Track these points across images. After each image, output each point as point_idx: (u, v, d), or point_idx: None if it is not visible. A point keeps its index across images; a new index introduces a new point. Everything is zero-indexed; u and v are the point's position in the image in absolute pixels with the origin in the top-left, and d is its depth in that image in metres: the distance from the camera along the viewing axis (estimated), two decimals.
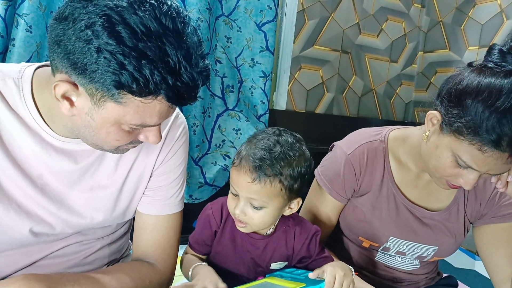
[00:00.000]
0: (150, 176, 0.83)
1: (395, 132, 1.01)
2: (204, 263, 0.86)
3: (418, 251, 1.00)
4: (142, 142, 0.71)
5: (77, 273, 0.72)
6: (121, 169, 0.80)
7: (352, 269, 0.80)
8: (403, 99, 3.10)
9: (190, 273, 0.83)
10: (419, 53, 3.09)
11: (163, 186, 0.84)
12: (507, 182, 0.83)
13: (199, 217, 0.89)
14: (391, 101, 3.07)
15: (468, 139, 0.74)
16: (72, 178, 0.76)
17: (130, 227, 0.98)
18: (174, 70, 0.56)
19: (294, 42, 2.61)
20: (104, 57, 0.54)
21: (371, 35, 2.89)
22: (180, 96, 0.59)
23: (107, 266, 0.90)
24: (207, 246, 0.90)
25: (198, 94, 0.62)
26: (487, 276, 0.98)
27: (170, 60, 0.56)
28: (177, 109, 0.87)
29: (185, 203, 2.15)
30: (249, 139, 0.82)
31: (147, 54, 0.54)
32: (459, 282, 1.21)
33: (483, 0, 2.59)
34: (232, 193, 0.82)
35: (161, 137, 0.69)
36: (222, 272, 0.84)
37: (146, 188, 0.84)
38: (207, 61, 0.61)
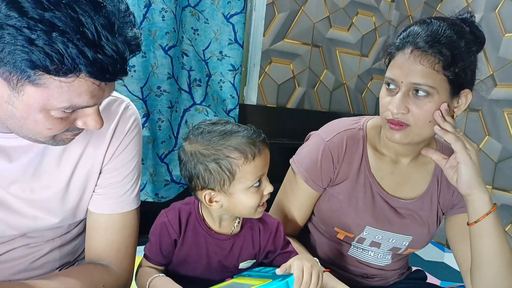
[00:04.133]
0: (100, 173, 0.79)
1: (372, 121, 1.03)
2: (161, 274, 0.82)
3: (393, 241, 1.00)
4: (83, 129, 0.66)
5: (13, 282, 0.67)
6: (65, 166, 0.75)
7: (317, 260, 0.80)
8: (374, 93, 3.14)
9: (147, 287, 0.79)
10: (386, 50, 3.13)
11: (115, 183, 0.79)
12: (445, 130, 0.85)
13: (153, 226, 0.85)
14: (363, 95, 3.11)
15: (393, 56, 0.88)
16: (8, 179, 0.70)
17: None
18: (93, 42, 0.51)
19: (264, 35, 2.59)
20: (8, 33, 0.49)
21: (342, 29, 2.91)
22: (105, 70, 0.54)
23: (59, 270, 0.85)
24: (166, 256, 0.86)
25: (127, 67, 0.57)
26: (456, 268, 0.99)
27: (87, 31, 0.51)
28: (127, 100, 0.82)
29: (150, 202, 2.08)
30: None
31: (57, 25, 0.49)
32: (428, 274, 1.23)
33: None
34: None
35: (102, 122, 0.63)
36: (189, 280, 0.81)
37: (96, 185, 0.79)
38: (135, 29, 0.56)
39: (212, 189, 0.78)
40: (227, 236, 0.85)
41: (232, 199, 0.78)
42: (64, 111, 0.58)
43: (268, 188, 0.80)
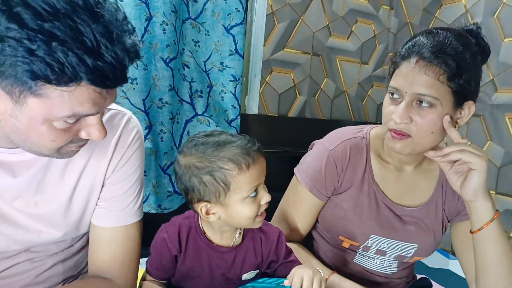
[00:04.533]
0: (102, 186, 0.79)
1: (376, 129, 1.03)
2: None
3: (398, 249, 1.00)
4: (87, 141, 0.66)
5: None
6: (68, 180, 0.75)
7: (320, 270, 0.79)
8: (375, 100, 3.14)
9: None
10: (389, 54, 3.15)
11: (118, 195, 0.80)
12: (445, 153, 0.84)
13: (153, 241, 0.84)
14: (363, 102, 3.11)
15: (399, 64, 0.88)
16: (12, 194, 0.70)
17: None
18: (92, 49, 0.52)
19: (264, 45, 2.61)
20: (9, 46, 0.49)
21: (341, 37, 2.92)
22: (105, 77, 0.54)
23: (62, 284, 0.85)
24: (167, 272, 0.85)
25: (127, 74, 0.58)
26: (461, 275, 0.99)
27: (86, 39, 0.51)
28: (129, 113, 0.83)
29: (153, 214, 2.07)
30: None
31: (56, 35, 0.50)
32: (433, 282, 1.22)
33: (449, 1, 2.67)
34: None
35: (105, 132, 0.64)
36: None
37: (98, 198, 0.79)
38: (134, 37, 0.57)
39: (208, 201, 0.78)
40: (229, 248, 0.85)
41: (229, 210, 0.78)
42: (66, 122, 0.58)
43: (265, 197, 0.79)
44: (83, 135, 0.63)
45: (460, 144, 0.83)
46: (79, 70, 0.52)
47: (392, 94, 0.88)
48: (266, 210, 0.82)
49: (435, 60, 0.81)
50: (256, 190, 0.78)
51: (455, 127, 0.88)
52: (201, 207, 0.78)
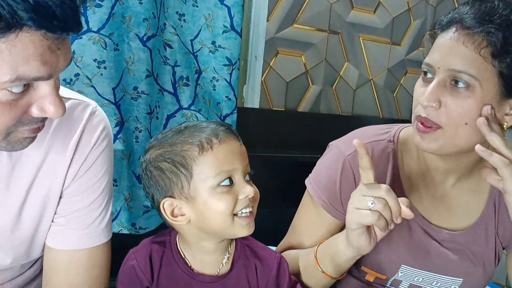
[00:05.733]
0: (60, 197, 0.79)
1: (407, 130, 1.03)
2: None
3: (438, 284, 1.00)
4: (42, 124, 0.65)
5: None
6: (15, 190, 0.75)
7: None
8: (409, 91, 3.14)
9: None
10: (428, 33, 3.15)
11: (80, 209, 0.80)
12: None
13: (120, 272, 0.85)
14: (394, 94, 3.12)
15: None
16: None
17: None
18: None
19: (268, 20, 2.62)
20: None
21: (366, 11, 2.93)
22: (51, 16, 0.53)
23: None
24: None
25: (80, 20, 0.58)
26: None
27: None
28: (94, 104, 0.83)
29: (127, 234, 2.07)
30: None
31: None
32: None
33: None
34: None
35: (63, 106, 0.63)
36: None
37: (55, 213, 0.79)
38: None
39: (172, 197, 0.80)
40: (214, 277, 0.85)
41: (198, 205, 0.79)
42: (11, 91, 0.57)
43: (245, 190, 0.79)
44: (35, 112, 0.62)
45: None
46: (17, 8, 0.51)
47: (426, 73, 0.89)
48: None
49: (478, 28, 0.82)
50: (230, 179, 0.79)
51: (503, 127, 0.87)
52: (163, 204, 0.81)
